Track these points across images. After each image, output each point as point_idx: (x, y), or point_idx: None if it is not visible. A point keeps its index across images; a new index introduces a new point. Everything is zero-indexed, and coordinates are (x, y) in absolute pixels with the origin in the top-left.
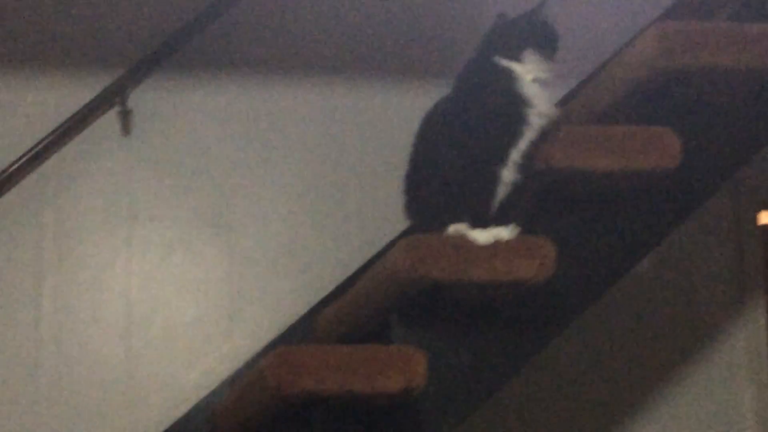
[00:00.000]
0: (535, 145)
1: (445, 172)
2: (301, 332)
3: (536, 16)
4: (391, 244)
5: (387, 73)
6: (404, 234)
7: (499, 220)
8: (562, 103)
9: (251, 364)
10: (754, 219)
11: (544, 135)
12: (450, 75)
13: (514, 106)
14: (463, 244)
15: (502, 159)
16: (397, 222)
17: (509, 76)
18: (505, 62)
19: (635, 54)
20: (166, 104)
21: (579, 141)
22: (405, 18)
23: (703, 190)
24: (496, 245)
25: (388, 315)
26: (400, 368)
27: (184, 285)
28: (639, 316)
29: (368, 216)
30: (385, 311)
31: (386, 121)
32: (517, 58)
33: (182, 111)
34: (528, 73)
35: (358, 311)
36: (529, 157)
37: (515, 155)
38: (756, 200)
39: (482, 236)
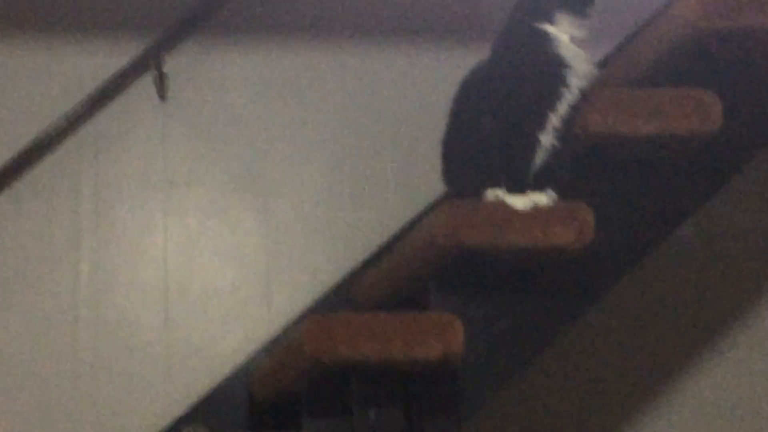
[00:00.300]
0: (574, 109)
1: (484, 137)
2: (338, 298)
3: None
4: (429, 210)
5: (426, 36)
6: (442, 199)
7: (538, 186)
8: (601, 65)
9: (289, 330)
10: None
11: (584, 97)
12: (489, 37)
13: (552, 67)
14: (501, 209)
15: (540, 123)
16: (436, 187)
17: (545, 38)
18: (539, 24)
19: (676, 15)
20: (202, 68)
21: (617, 105)
22: None
23: (744, 154)
24: (535, 211)
25: (425, 281)
26: (438, 336)
27: (222, 250)
28: (679, 280)
29: (406, 180)
30: (422, 278)
31: (425, 84)
32: (550, 20)
33: (219, 75)
34: (563, 33)
35: (396, 277)
36: (568, 121)
37: (554, 119)
38: None
39: (521, 202)
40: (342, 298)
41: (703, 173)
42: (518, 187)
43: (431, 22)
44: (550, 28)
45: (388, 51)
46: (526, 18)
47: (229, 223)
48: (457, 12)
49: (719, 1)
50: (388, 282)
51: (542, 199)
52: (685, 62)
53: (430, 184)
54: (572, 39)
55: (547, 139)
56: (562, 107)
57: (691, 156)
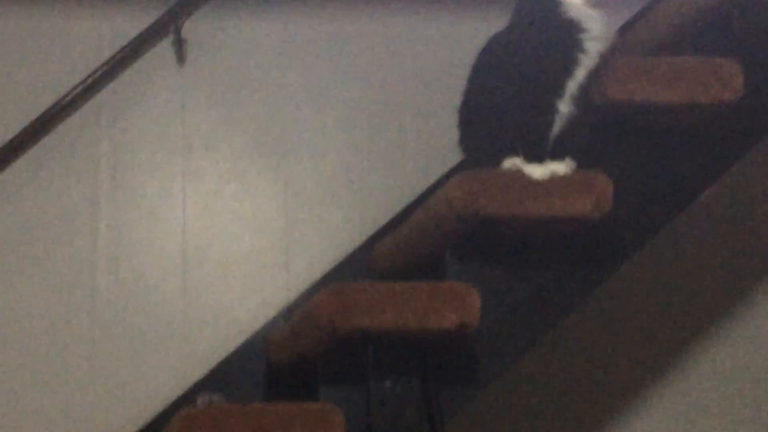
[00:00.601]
0: (593, 75)
1: (501, 106)
2: (357, 263)
3: None
4: (448, 176)
5: (446, 2)
6: (459, 167)
7: (556, 155)
8: (622, 32)
9: (307, 296)
10: None
11: (603, 63)
12: (509, 3)
13: (565, 33)
14: (518, 178)
15: (558, 90)
16: (455, 152)
17: (556, 4)
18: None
19: None
20: (220, 33)
21: (637, 73)
22: None
23: (765, 123)
24: (552, 180)
25: (443, 250)
26: (454, 305)
27: (240, 216)
28: (702, 249)
29: (425, 145)
30: (440, 246)
31: (445, 49)
32: None
33: (237, 40)
34: None
35: (414, 245)
36: (586, 88)
37: (572, 86)
38: None
39: (538, 171)
40: (360, 265)
41: (724, 142)
42: (536, 156)
43: None
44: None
45: (407, 15)
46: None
47: (247, 188)
48: None
49: None
50: (406, 250)
51: (560, 168)
52: (706, 30)
53: (450, 149)
54: (587, 1)
55: (565, 107)
56: (580, 73)
57: (711, 125)
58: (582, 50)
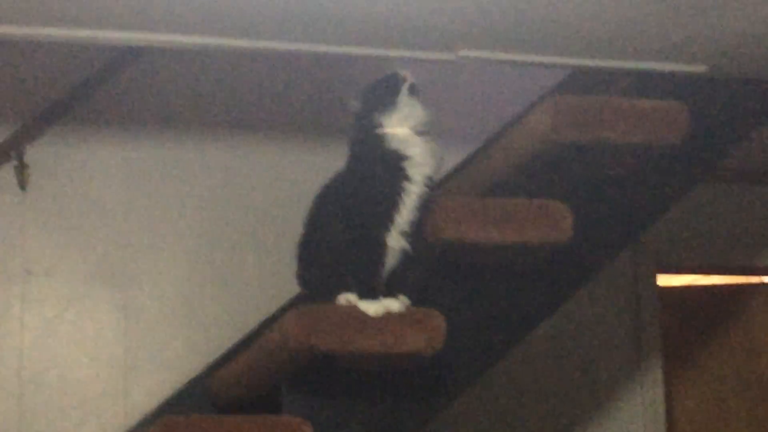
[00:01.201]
0: (424, 209)
1: (334, 241)
2: (196, 391)
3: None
4: (287, 307)
5: (288, 135)
6: (297, 300)
7: (390, 291)
8: (455, 172)
9: (145, 423)
10: (653, 281)
11: (434, 198)
12: None
13: (389, 162)
14: (353, 314)
15: (386, 224)
16: (294, 283)
17: (381, 136)
18: (371, 123)
19: (529, 127)
20: (63, 159)
21: (470, 213)
22: (308, 79)
23: (596, 262)
24: (387, 316)
25: (280, 381)
26: None
27: (79, 341)
28: (537, 380)
29: (266, 275)
30: (277, 378)
31: (287, 181)
32: (380, 118)
33: (79, 166)
34: (397, 127)
35: (252, 376)
36: (418, 225)
37: (400, 220)
38: (654, 263)
39: (372, 307)
40: (200, 392)
41: (557, 279)
42: (369, 292)
43: (295, 120)
44: (382, 125)
45: (250, 146)
46: (361, 120)
47: (86, 314)
48: (321, 112)
49: (571, 114)
50: (245, 379)
51: (394, 304)
52: (538, 171)
53: (291, 279)
54: (413, 130)
55: (395, 242)
56: (408, 202)
57: (544, 263)
58: (406, 178)
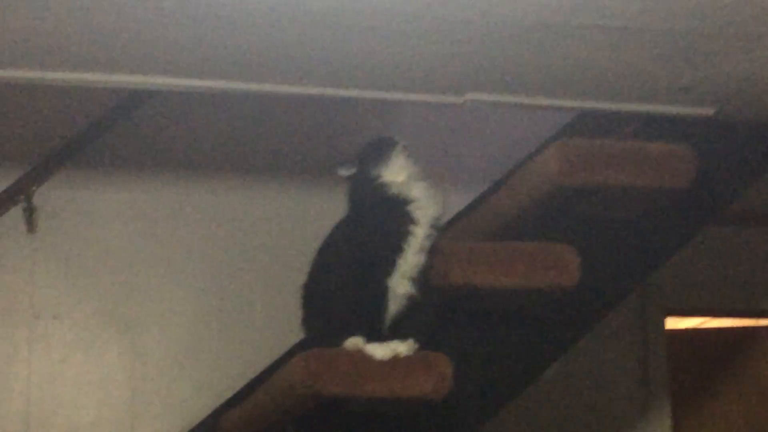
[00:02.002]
0: (430, 254)
1: (339, 286)
2: None
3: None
4: (294, 350)
5: (295, 178)
6: (304, 343)
7: (397, 335)
8: (461, 215)
9: None
10: (661, 324)
11: (438, 244)
12: None
13: (392, 207)
14: (359, 358)
15: (389, 268)
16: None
17: (383, 183)
18: (372, 171)
19: (536, 170)
20: (71, 202)
21: (477, 257)
22: (316, 122)
23: (603, 306)
24: (394, 360)
25: (287, 424)
26: None
27: (86, 384)
28: (545, 424)
29: (273, 318)
30: (283, 422)
31: (293, 222)
32: (381, 166)
33: (87, 209)
34: (397, 174)
35: (258, 419)
36: (424, 268)
37: (405, 264)
38: (663, 306)
39: (379, 351)
40: None
41: (565, 323)
42: (376, 335)
43: (303, 163)
44: (380, 176)
45: (258, 189)
46: (358, 177)
47: (94, 357)
48: (328, 155)
49: (579, 157)
50: (252, 423)
51: (402, 348)
52: (545, 215)
53: (298, 321)
54: (412, 178)
55: (400, 287)
56: (412, 247)
57: (551, 306)
58: (411, 220)
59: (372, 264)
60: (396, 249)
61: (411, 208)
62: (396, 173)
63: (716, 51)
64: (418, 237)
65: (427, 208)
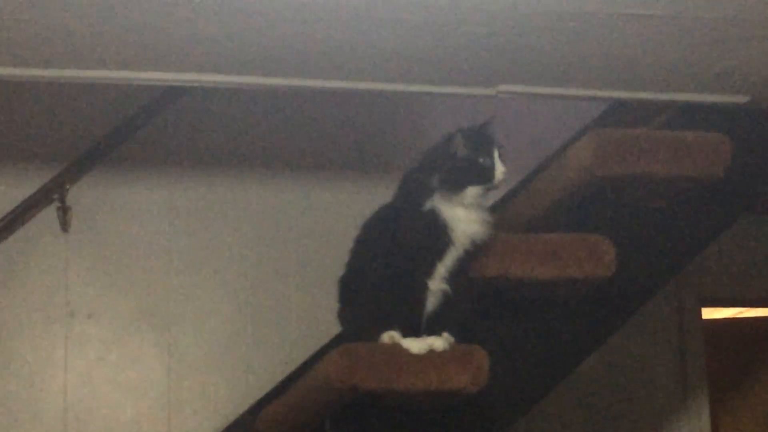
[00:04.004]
0: (463, 261)
1: (376, 281)
2: (240, 431)
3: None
4: (330, 345)
5: (331, 172)
6: (341, 338)
7: (433, 329)
8: (497, 207)
9: None
10: (698, 315)
11: (475, 251)
12: (392, 177)
13: (436, 230)
14: (396, 352)
15: (428, 272)
16: (337, 322)
17: (429, 212)
18: (423, 200)
19: (570, 161)
20: (105, 200)
21: (513, 249)
22: (350, 116)
23: (639, 296)
24: (430, 354)
25: (324, 419)
26: None
27: (123, 383)
28: (582, 415)
29: (309, 313)
30: (320, 417)
31: (329, 216)
32: (431, 196)
33: (121, 207)
34: (446, 203)
35: (296, 415)
36: (458, 270)
37: (442, 269)
38: (699, 296)
39: (416, 345)
40: None
41: (601, 314)
42: (413, 330)
43: (336, 156)
44: (433, 202)
45: (293, 184)
46: (413, 191)
47: (130, 355)
48: (364, 149)
49: (613, 147)
50: (289, 418)
51: (438, 342)
52: (580, 206)
53: (334, 317)
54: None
55: (437, 286)
56: (450, 260)
57: (587, 297)
58: (450, 241)
59: (411, 266)
60: (437, 256)
61: (451, 233)
62: (454, 203)
63: (749, 38)
64: (456, 253)
65: (465, 239)
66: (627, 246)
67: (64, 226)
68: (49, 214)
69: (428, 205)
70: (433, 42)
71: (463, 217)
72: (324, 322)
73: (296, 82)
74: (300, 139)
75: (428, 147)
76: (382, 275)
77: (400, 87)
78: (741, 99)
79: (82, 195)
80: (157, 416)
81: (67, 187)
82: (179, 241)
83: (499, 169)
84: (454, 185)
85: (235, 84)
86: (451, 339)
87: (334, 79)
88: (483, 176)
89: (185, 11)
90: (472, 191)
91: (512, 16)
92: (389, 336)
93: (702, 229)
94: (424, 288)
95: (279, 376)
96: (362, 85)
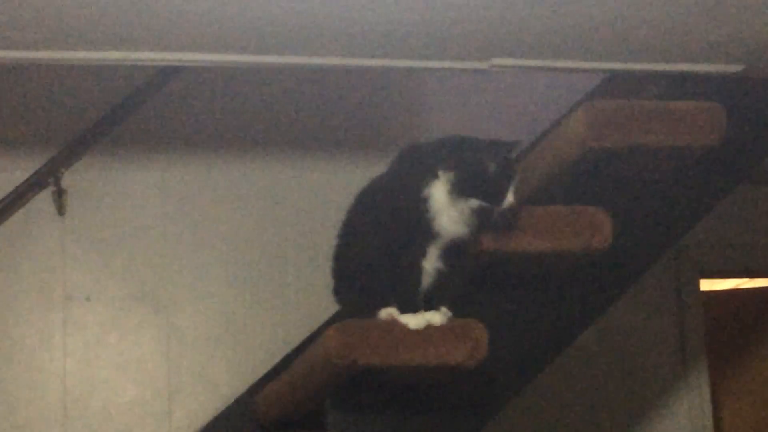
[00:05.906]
0: (454, 246)
1: (370, 257)
2: (240, 411)
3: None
4: (328, 324)
5: (326, 152)
6: (338, 316)
7: (431, 304)
8: None
9: None
10: (696, 286)
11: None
12: (385, 154)
13: (427, 218)
14: (394, 328)
15: (422, 252)
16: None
17: (427, 199)
18: (422, 182)
19: (565, 133)
20: (100, 183)
21: None
22: (344, 95)
23: (636, 268)
24: (428, 329)
25: (324, 397)
26: None
27: (121, 365)
28: (581, 388)
29: (307, 292)
30: (320, 394)
31: (325, 196)
32: (432, 179)
33: (117, 190)
34: (443, 188)
35: (295, 393)
36: (451, 251)
37: (434, 250)
38: (697, 267)
39: (413, 321)
40: (244, 412)
41: (598, 286)
42: (410, 305)
43: (330, 134)
44: (430, 189)
45: (289, 164)
46: (411, 173)
47: (128, 337)
48: (356, 126)
49: (606, 119)
50: (289, 397)
51: (435, 317)
52: (575, 178)
53: (332, 296)
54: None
55: (431, 265)
56: (440, 243)
57: (584, 270)
58: (437, 232)
59: (406, 244)
60: (428, 238)
61: (436, 225)
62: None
63: (742, 6)
64: (445, 239)
65: (452, 229)
66: (624, 218)
67: (60, 209)
68: (44, 198)
69: (426, 191)
70: (425, 15)
71: (454, 216)
72: (322, 301)
73: (289, 59)
74: (295, 118)
75: (452, 135)
76: (377, 253)
77: (393, 62)
78: (735, 68)
79: (78, 178)
80: (156, 397)
81: (63, 170)
82: (176, 222)
83: (509, 200)
84: (463, 189)
85: (228, 63)
86: (449, 313)
87: (328, 56)
88: (493, 198)
89: None
90: (474, 203)
91: None
92: (387, 312)
93: (699, 199)
94: (419, 266)
95: (278, 355)
96: (355, 62)
